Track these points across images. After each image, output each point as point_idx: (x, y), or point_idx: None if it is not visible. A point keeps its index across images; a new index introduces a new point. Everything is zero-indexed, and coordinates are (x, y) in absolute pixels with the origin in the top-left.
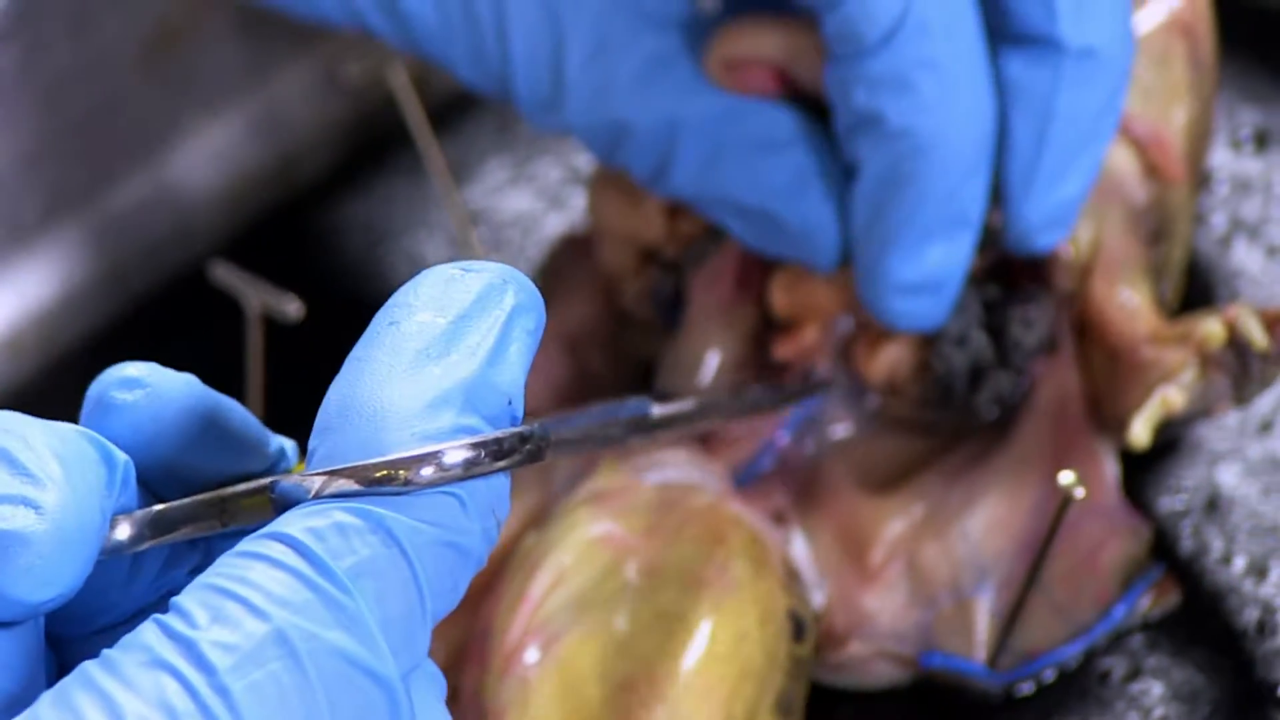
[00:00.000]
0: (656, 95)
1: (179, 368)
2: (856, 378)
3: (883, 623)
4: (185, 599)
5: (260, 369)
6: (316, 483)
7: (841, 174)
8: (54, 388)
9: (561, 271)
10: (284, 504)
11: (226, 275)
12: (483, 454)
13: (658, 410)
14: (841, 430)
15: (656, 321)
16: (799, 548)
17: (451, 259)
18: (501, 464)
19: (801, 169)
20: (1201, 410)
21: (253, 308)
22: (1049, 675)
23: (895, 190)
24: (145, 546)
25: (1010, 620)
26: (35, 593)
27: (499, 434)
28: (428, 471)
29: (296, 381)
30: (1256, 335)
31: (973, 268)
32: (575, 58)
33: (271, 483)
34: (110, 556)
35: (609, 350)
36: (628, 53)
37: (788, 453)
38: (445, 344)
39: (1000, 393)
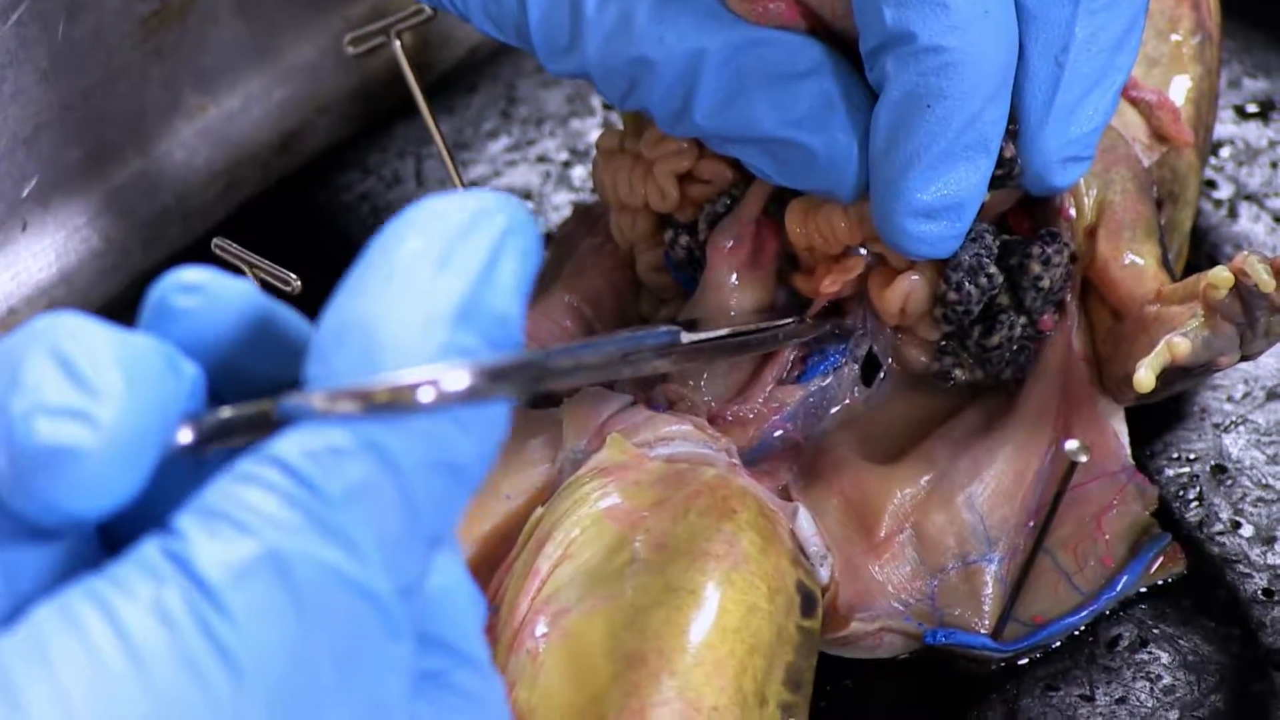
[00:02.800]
0: (676, 29)
1: None
2: (870, 318)
3: (889, 593)
4: (182, 520)
5: None
6: (317, 402)
7: (865, 103)
8: None
9: (572, 242)
10: (286, 422)
11: (227, 251)
12: (481, 377)
13: (687, 337)
14: (847, 403)
15: (670, 288)
16: (804, 523)
17: None
18: (500, 387)
19: (825, 96)
20: (1206, 361)
21: (253, 284)
22: (1055, 644)
23: (920, 109)
24: (205, 452)
25: (1016, 587)
26: (84, 505)
27: (497, 357)
28: (426, 394)
29: None
30: (1264, 276)
31: (990, 208)
32: None
33: (275, 401)
34: (172, 460)
35: (618, 321)
36: None
37: (793, 432)
38: (436, 266)
39: (1013, 337)
